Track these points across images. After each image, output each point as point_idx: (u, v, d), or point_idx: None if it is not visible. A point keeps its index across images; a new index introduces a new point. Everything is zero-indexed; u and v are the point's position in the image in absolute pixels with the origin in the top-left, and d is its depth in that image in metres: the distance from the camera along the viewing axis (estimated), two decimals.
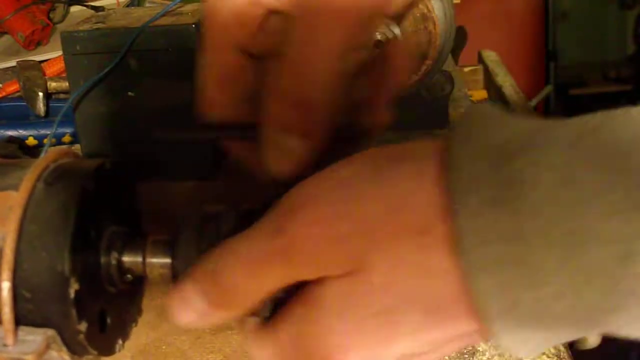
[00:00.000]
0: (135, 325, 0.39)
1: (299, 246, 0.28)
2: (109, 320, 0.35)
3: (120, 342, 0.37)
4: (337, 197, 0.28)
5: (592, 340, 0.36)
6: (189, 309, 0.30)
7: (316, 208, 0.28)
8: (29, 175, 0.32)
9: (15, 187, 0.32)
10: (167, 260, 0.34)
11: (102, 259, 0.35)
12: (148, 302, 0.48)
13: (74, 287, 0.31)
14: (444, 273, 0.26)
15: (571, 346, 0.39)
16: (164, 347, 0.45)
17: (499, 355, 0.43)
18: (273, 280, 0.28)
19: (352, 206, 0.28)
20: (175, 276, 0.33)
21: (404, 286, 0.27)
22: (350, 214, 0.27)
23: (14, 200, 0.31)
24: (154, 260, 0.35)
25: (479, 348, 0.43)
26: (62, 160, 0.35)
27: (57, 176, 0.33)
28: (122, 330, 0.38)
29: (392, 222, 0.27)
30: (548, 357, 0.42)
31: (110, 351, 0.36)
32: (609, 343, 0.37)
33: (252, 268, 0.28)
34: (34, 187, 0.32)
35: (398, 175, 0.28)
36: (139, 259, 0.35)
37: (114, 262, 0.35)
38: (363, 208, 0.27)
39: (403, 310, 0.27)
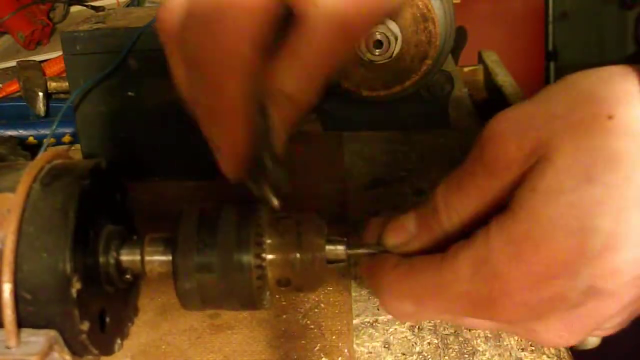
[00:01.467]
0: (132, 325, 0.39)
1: (492, 143, 0.30)
2: (107, 320, 0.35)
3: (119, 341, 0.37)
4: (529, 105, 0.30)
5: (592, 341, 0.36)
6: (403, 232, 0.33)
7: (511, 115, 0.30)
8: (25, 177, 0.32)
9: (12, 189, 0.32)
10: (167, 258, 0.34)
11: (101, 259, 0.35)
12: (148, 302, 0.48)
13: (75, 287, 0.31)
14: (629, 159, 0.27)
15: (571, 346, 0.39)
16: (163, 346, 0.45)
17: (499, 355, 0.43)
18: (474, 195, 0.30)
19: (541, 106, 0.30)
20: (176, 272, 0.33)
21: (589, 169, 0.27)
22: (538, 111, 0.29)
23: (12, 202, 0.31)
24: (153, 257, 0.35)
25: (479, 348, 0.43)
26: (57, 161, 0.35)
27: (53, 177, 0.33)
28: (120, 330, 0.38)
29: (578, 110, 0.28)
30: (548, 357, 0.42)
31: (110, 350, 0.36)
32: (609, 343, 0.37)
33: (456, 184, 0.31)
34: (30, 188, 0.32)
35: (585, 78, 0.30)
36: (137, 257, 0.35)
37: (112, 261, 0.35)
38: (551, 105, 0.29)
39: (593, 205, 0.27)
